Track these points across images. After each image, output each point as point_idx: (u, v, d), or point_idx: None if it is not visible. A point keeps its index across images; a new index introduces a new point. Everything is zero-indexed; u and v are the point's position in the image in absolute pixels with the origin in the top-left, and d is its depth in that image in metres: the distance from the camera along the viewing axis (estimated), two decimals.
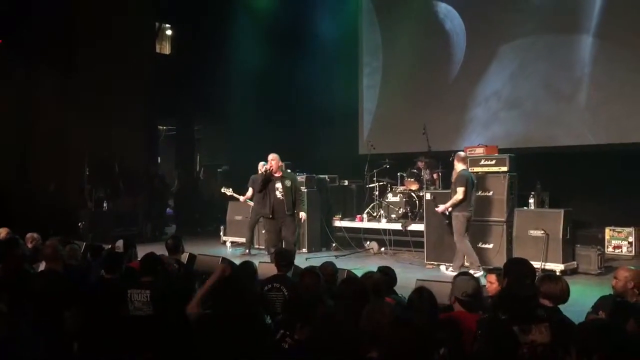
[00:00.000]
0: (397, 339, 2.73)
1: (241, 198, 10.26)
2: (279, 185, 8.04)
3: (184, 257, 6.39)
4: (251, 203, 9.83)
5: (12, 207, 9.97)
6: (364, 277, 4.17)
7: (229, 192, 10.58)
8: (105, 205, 12.04)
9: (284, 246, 7.98)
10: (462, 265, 8.09)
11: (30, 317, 3.52)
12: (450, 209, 8.11)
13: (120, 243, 6.17)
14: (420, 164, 10.18)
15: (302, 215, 8.64)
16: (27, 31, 11.70)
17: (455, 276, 4.21)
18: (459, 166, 8.24)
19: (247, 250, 10.04)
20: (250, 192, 10.05)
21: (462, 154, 8.44)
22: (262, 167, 8.83)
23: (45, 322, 3.51)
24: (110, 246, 6.42)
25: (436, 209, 8.51)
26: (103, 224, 11.55)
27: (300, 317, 3.32)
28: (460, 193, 7.95)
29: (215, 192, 14.07)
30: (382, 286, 4.16)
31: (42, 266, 5.15)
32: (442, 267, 8.41)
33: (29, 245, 6.56)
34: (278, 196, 8.06)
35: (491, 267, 5.97)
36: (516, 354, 3.00)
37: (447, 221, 8.30)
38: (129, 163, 13.00)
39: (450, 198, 8.14)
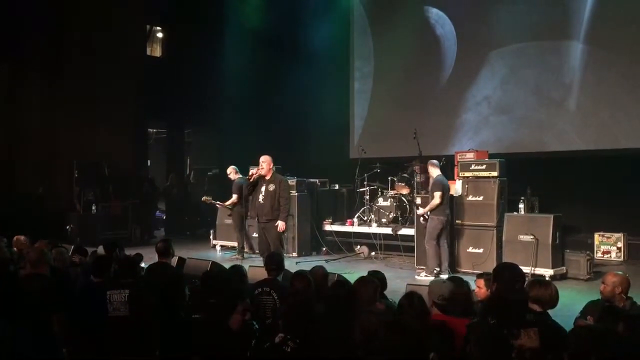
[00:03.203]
0: (391, 343, 2.74)
1: (218, 204, 10.37)
2: (263, 188, 7.92)
3: (174, 261, 6.36)
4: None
5: (0, 210, 9.89)
6: (361, 282, 4.15)
7: (209, 200, 10.65)
8: (94, 208, 11.96)
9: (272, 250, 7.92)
10: (436, 267, 8.35)
11: (17, 321, 3.48)
12: (428, 212, 8.51)
13: (100, 248, 6.14)
14: (416, 168, 10.16)
15: (280, 224, 7.83)
16: (15, 33, 11.61)
17: (432, 281, 4.29)
18: (434, 172, 8.57)
19: (238, 255, 10.05)
20: (234, 197, 10.20)
21: (434, 161, 8.76)
22: (251, 171, 8.75)
23: (33, 326, 3.47)
24: (95, 249, 6.38)
25: (417, 211, 8.88)
26: (92, 227, 11.47)
27: (294, 322, 3.31)
28: (437, 197, 8.34)
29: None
30: (378, 291, 4.17)
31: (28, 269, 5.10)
32: (422, 273, 8.43)
33: (16, 249, 6.50)
34: (260, 200, 7.93)
35: (480, 271, 5.98)
36: (508, 358, 3.00)
37: (425, 223, 8.63)
38: (118, 166, 12.93)
39: (429, 202, 8.54)
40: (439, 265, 8.40)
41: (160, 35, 15.73)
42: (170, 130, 16.21)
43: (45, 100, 12.10)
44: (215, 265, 6.47)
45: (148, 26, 15.08)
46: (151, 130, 16.86)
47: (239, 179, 10.35)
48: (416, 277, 8.30)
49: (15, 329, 3.00)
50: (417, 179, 10.01)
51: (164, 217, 14.76)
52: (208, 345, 3.25)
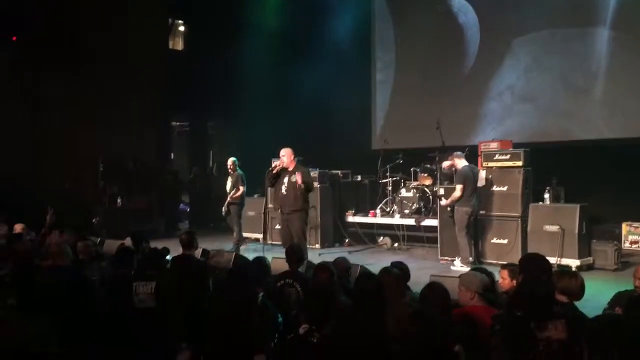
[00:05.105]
0: (414, 334, 2.73)
1: (230, 201, 10.25)
2: (286, 180, 7.91)
3: (198, 253, 6.42)
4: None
5: (28, 204, 10.03)
6: (383, 272, 4.14)
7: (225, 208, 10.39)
8: (119, 201, 12.11)
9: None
10: (470, 257, 8.29)
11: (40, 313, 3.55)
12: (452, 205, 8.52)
13: (128, 240, 6.22)
14: (450, 158, 9.91)
15: (296, 177, 7.58)
16: (36, 30, 11.75)
17: (468, 273, 4.22)
18: (460, 163, 8.51)
19: (238, 245, 10.03)
20: (242, 189, 10.14)
21: (458, 152, 8.71)
22: (274, 163, 8.76)
23: (56, 318, 3.53)
24: (122, 242, 6.47)
25: (440, 202, 8.89)
26: (117, 220, 11.62)
27: (319, 313, 3.31)
28: (457, 190, 8.33)
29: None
30: (402, 282, 4.16)
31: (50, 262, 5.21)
32: (456, 261, 8.37)
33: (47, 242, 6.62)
34: (283, 191, 7.92)
35: (505, 262, 5.93)
36: (535, 350, 2.97)
37: (450, 215, 8.58)
38: (142, 159, 13.05)
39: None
40: (462, 255, 8.33)
41: (182, 28, 15.81)
42: (193, 123, 16.32)
43: (69, 96, 12.22)
44: (239, 257, 6.51)
45: (170, 20, 15.16)
46: (174, 123, 16.98)
47: (240, 171, 10.38)
48: (451, 267, 8.23)
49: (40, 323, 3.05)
50: (449, 171, 9.86)
51: (188, 210, 14.89)
52: (227, 337, 3.26)
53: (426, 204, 10.23)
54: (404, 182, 10.82)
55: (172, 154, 16.18)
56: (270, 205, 10.88)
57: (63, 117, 12.14)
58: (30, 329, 2.94)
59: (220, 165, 16.06)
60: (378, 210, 10.78)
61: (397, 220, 10.29)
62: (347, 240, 10.73)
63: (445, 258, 8.89)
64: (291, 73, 13.47)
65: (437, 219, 9.31)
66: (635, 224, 9.54)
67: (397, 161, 10.93)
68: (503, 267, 4.69)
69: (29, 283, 4.14)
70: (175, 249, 6.37)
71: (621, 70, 10.33)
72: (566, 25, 10.89)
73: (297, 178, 7.61)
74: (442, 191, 9.17)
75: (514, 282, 4.36)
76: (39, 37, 11.83)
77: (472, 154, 9.60)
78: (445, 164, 9.06)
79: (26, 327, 2.98)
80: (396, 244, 10.22)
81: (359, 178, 11.84)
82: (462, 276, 4.13)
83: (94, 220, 11.47)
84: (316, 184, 10.20)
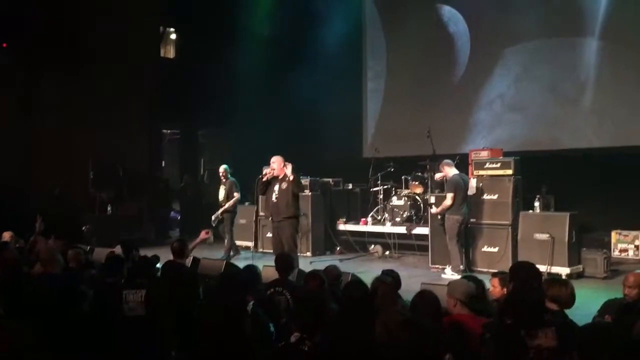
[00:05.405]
0: (404, 342, 2.74)
1: (224, 209, 10.15)
2: (276, 187, 7.91)
3: (188, 261, 6.38)
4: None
5: (17, 211, 9.96)
6: (377, 282, 4.15)
7: (218, 216, 10.28)
8: (109, 209, 12.04)
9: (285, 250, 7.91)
10: (460, 265, 8.30)
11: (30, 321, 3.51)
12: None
13: (118, 248, 6.19)
14: (442, 167, 9.94)
15: (287, 172, 7.73)
16: (30, 35, 11.73)
17: (455, 281, 4.26)
18: (450, 171, 8.53)
19: (229, 254, 9.95)
20: (237, 196, 10.06)
21: (447, 160, 8.74)
22: (264, 170, 8.75)
23: (44, 324, 3.50)
24: (111, 250, 6.43)
25: (431, 210, 8.93)
26: (107, 227, 11.56)
27: (310, 321, 3.31)
28: (448, 199, 8.36)
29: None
30: (393, 290, 4.17)
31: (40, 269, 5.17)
32: (447, 269, 8.38)
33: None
34: (273, 199, 7.91)
35: (495, 270, 5.96)
36: (526, 358, 2.97)
37: (441, 223, 8.59)
38: (133, 167, 13.00)
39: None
40: (453, 264, 8.35)
41: (173, 36, 15.81)
42: (184, 130, 16.29)
43: (60, 102, 12.19)
44: (230, 265, 6.49)
45: (161, 28, 15.16)
46: (165, 130, 16.95)
47: (232, 178, 10.30)
48: (442, 275, 8.23)
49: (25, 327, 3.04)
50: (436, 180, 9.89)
51: (179, 218, 14.83)
52: (218, 347, 3.24)
53: (417, 212, 10.25)
54: (395, 190, 10.84)
55: (163, 162, 16.13)
56: (261, 213, 10.85)
57: (54, 122, 12.09)
58: (19, 337, 2.91)
59: (211, 173, 16.04)
60: (369, 218, 10.79)
61: (388, 228, 10.30)
62: (338, 248, 10.73)
63: (436, 266, 8.90)
64: (282, 81, 13.49)
65: (428, 227, 9.33)
66: (625, 232, 9.61)
67: (388, 169, 10.96)
68: (494, 275, 4.70)
69: (17, 291, 4.10)
70: (165, 257, 6.34)
71: (610, 79, 10.44)
72: (556, 35, 10.99)
73: (287, 171, 7.70)
74: (432, 199, 9.20)
75: (505, 290, 4.37)
76: (31, 42, 11.80)
77: (462, 163, 9.65)
78: (438, 175, 9.10)
79: (15, 335, 2.95)
80: (387, 252, 10.23)
81: (350, 186, 11.85)
82: (449, 284, 4.17)
83: (83, 228, 11.40)
84: (307, 192, 10.21)
